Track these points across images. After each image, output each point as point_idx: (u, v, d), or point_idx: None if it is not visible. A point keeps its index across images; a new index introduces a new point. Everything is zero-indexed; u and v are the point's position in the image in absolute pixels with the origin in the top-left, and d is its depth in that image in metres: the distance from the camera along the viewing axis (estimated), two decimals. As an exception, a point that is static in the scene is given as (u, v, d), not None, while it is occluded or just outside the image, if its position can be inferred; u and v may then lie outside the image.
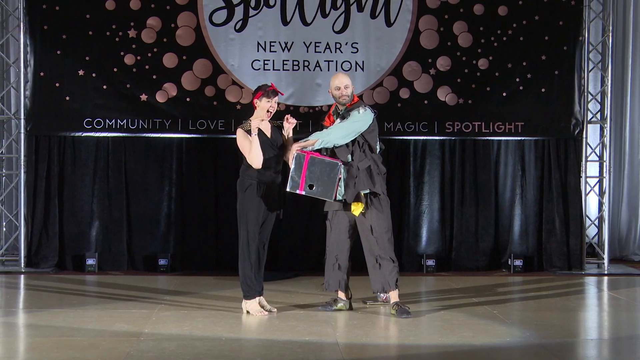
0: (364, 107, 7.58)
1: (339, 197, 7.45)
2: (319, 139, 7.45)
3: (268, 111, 7.46)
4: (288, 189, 7.35)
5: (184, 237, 10.14)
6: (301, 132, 7.80)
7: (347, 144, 7.51)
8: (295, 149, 7.38)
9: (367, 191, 7.48)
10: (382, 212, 7.53)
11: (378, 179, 7.50)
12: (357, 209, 7.49)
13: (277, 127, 7.59)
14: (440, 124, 10.09)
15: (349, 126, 7.48)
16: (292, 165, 7.31)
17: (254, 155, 7.33)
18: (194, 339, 6.56)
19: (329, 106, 7.99)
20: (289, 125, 7.54)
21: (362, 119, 7.50)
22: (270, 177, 7.43)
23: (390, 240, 7.58)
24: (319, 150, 7.48)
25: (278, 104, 7.60)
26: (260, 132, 7.42)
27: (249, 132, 7.38)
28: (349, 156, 7.50)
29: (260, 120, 7.46)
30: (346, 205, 7.53)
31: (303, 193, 7.37)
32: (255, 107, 7.53)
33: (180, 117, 9.95)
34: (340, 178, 7.38)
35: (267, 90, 7.48)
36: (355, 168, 7.48)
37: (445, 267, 10.22)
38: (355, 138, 7.51)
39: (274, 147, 7.48)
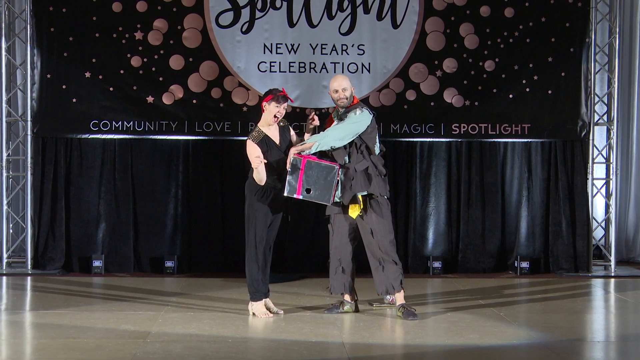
0: (361, 108, 7.53)
1: (336, 200, 7.44)
2: (316, 142, 7.41)
3: (275, 116, 7.46)
4: (285, 194, 7.33)
5: (191, 239, 10.15)
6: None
7: (344, 146, 7.46)
8: (292, 153, 7.37)
9: (365, 193, 7.45)
10: (382, 215, 7.48)
11: (376, 181, 7.45)
12: (354, 211, 7.47)
13: (285, 126, 7.59)
14: (446, 126, 10.08)
15: (345, 128, 7.45)
16: (289, 170, 7.30)
17: (258, 174, 7.30)
18: (201, 341, 6.57)
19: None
20: (314, 125, 7.60)
21: (359, 120, 7.46)
22: (279, 180, 7.42)
23: (392, 243, 7.54)
24: (319, 153, 7.46)
25: (283, 105, 7.60)
26: (267, 138, 7.44)
27: (259, 143, 7.38)
28: (346, 158, 7.48)
29: (268, 125, 7.48)
30: (345, 209, 7.51)
31: (300, 197, 7.35)
32: (263, 110, 7.52)
33: (186, 119, 9.96)
34: (337, 181, 7.37)
35: (277, 95, 7.46)
36: (353, 170, 7.43)
37: (451, 269, 10.21)
38: (353, 140, 7.48)
39: (282, 150, 7.48)
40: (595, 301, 8.96)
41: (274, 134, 7.50)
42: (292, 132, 7.66)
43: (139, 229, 10.14)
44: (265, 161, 7.28)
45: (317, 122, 7.68)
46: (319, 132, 7.64)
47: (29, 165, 9.99)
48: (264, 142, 7.41)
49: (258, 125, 7.54)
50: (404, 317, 7.40)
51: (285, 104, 7.50)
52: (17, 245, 10.24)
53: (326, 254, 7.84)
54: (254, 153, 7.33)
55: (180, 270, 10.01)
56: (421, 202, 10.28)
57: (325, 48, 10.04)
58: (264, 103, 7.50)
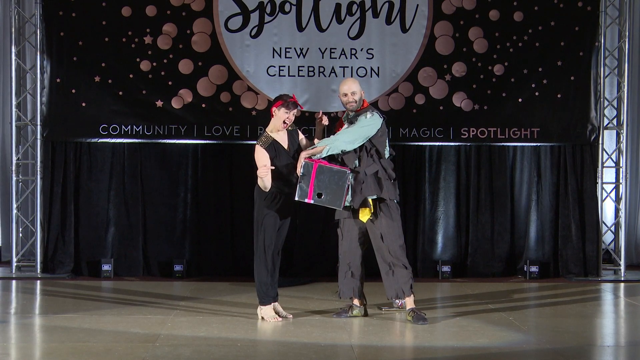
0: (371, 111, 7.53)
1: (346, 204, 7.43)
2: (327, 146, 7.41)
3: (284, 122, 7.45)
4: (296, 198, 7.33)
5: (200, 243, 10.16)
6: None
7: (354, 150, 7.46)
8: (303, 157, 7.36)
9: (375, 197, 7.45)
10: (392, 219, 7.47)
11: (386, 185, 7.45)
12: (364, 215, 7.46)
13: (293, 130, 7.59)
14: (455, 130, 10.07)
15: (355, 131, 7.45)
16: (300, 174, 7.30)
17: (262, 182, 7.29)
18: (210, 345, 6.57)
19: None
20: (323, 125, 7.62)
21: (369, 124, 7.46)
22: (288, 185, 7.41)
23: (402, 247, 7.53)
24: (328, 157, 7.46)
25: (292, 109, 7.60)
26: (276, 143, 7.44)
27: (267, 148, 7.37)
28: (356, 162, 7.48)
29: (277, 130, 7.48)
30: (355, 213, 7.50)
31: (312, 202, 7.34)
32: (273, 116, 7.51)
33: (195, 123, 9.97)
34: (348, 186, 7.36)
35: (287, 101, 7.45)
36: (363, 173, 7.43)
37: (460, 273, 10.20)
38: (363, 143, 7.47)
39: (290, 155, 7.47)
40: (605, 306, 8.93)
41: (282, 139, 7.50)
42: (302, 136, 7.67)
43: (148, 233, 10.16)
44: (273, 167, 7.28)
45: (326, 122, 7.69)
46: (328, 135, 7.65)
47: (38, 169, 10.01)
48: (273, 147, 7.41)
49: (266, 130, 7.54)
50: (414, 321, 7.39)
51: (295, 111, 7.49)
52: (27, 249, 10.27)
53: (335, 258, 7.83)
54: (262, 160, 7.32)
55: (189, 274, 10.02)
56: (430, 206, 10.27)
57: (334, 52, 10.05)
58: (274, 108, 7.49)
